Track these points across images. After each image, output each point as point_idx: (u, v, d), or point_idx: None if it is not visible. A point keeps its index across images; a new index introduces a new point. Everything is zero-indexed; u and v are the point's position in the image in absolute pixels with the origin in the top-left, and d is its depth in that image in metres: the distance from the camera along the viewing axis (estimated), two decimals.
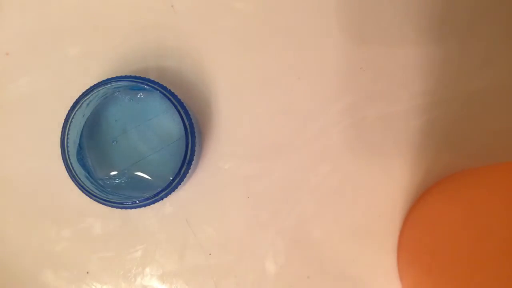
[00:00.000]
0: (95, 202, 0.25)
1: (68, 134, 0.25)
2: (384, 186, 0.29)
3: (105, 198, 0.25)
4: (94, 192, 0.25)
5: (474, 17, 0.29)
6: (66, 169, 0.25)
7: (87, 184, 0.25)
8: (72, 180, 0.25)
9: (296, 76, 0.29)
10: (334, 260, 0.29)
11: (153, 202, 0.25)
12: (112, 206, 0.25)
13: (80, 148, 0.27)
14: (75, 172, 0.25)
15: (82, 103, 0.25)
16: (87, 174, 0.26)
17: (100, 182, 0.27)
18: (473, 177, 0.27)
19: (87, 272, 0.29)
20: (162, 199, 0.25)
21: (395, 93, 0.29)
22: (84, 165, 0.27)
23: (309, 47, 0.29)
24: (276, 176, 0.29)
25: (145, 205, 0.25)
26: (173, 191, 0.25)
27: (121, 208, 0.25)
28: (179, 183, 0.25)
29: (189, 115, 0.25)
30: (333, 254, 0.29)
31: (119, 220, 0.29)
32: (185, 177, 0.25)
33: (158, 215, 0.29)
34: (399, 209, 0.29)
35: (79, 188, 0.25)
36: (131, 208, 0.25)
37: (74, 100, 0.25)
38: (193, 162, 0.26)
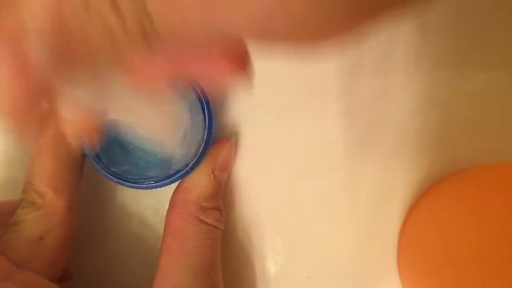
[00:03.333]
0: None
1: None
2: (384, 186, 0.29)
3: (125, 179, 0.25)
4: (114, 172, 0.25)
5: (475, 17, 0.29)
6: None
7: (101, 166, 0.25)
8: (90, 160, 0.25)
9: (296, 76, 0.29)
10: (334, 260, 0.29)
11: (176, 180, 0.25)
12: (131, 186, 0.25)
13: None
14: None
15: None
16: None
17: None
18: (473, 177, 0.27)
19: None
20: (192, 169, 0.25)
21: (395, 93, 0.29)
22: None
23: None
24: (276, 176, 0.29)
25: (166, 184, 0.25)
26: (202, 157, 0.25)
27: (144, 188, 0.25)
28: (205, 150, 0.25)
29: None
30: (333, 254, 0.29)
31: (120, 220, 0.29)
32: (210, 139, 0.25)
33: (158, 215, 0.29)
34: (399, 209, 0.29)
35: (100, 172, 0.24)
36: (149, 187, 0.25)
37: None
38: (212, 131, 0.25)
